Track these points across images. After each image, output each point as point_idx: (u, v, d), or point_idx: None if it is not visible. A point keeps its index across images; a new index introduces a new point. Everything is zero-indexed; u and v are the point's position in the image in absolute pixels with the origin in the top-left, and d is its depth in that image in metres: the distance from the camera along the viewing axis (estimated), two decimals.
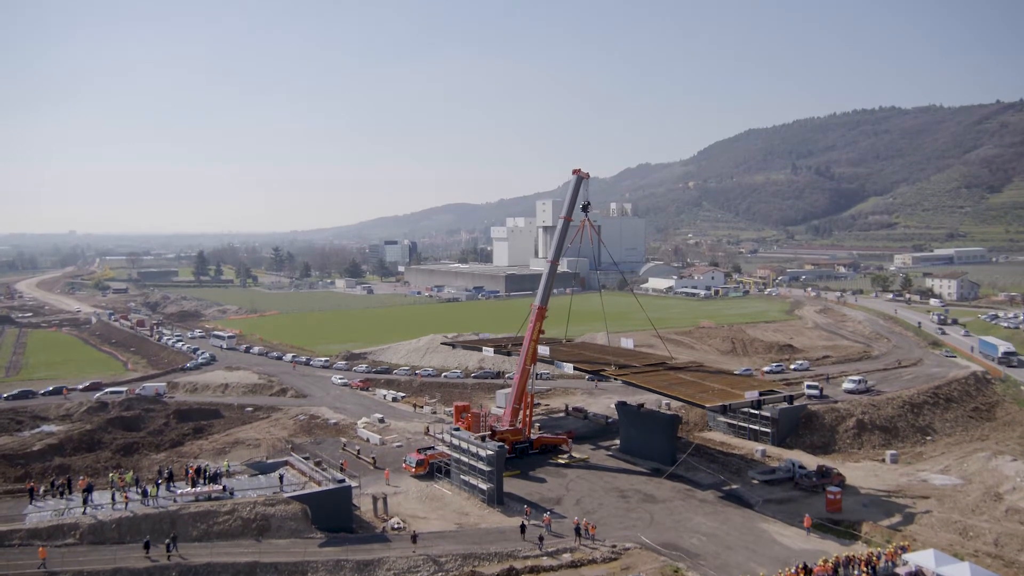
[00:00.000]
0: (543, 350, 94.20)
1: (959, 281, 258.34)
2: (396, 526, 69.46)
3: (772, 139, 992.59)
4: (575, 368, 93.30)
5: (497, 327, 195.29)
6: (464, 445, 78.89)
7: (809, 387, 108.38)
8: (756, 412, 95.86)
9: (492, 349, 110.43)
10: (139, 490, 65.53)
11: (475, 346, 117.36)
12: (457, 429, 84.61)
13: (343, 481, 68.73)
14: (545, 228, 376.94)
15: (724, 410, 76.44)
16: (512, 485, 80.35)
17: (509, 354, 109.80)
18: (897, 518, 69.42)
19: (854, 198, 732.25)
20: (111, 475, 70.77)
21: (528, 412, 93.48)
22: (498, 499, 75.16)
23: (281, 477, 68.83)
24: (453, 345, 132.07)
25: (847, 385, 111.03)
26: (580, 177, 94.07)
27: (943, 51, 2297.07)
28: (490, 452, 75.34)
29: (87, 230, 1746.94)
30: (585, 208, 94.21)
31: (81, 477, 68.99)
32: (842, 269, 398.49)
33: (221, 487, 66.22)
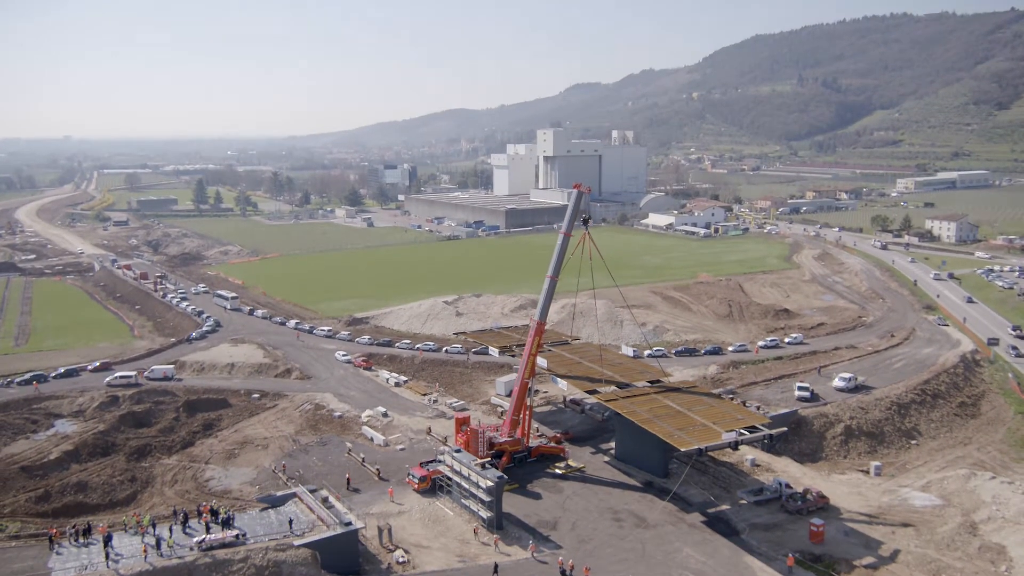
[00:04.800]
0: (541, 362, 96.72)
1: (958, 224, 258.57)
2: (400, 560, 73.46)
3: (779, 47, 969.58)
4: (569, 386, 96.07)
5: (498, 281, 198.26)
6: (465, 472, 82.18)
7: (800, 388, 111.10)
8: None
9: (498, 351, 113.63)
10: (154, 535, 68.97)
11: (482, 344, 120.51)
12: (458, 450, 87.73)
13: (350, 524, 72.19)
14: (546, 158, 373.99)
15: (700, 453, 79.64)
16: (510, 502, 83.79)
17: (514, 355, 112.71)
18: (874, 557, 73.18)
19: (860, 111, 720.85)
20: (123, 518, 74.38)
21: (527, 420, 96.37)
22: (498, 524, 79.10)
23: (291, 521, 72.25)
24: (465, 334, 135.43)
25: (837, 383, 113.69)
26: (580, 193, 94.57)
27: None
28: (490, 483, 78.69)
29: (83, 135, 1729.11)
30: (585, 222, 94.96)
31: (100, 524, 72.36)
32: (844, 196, 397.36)
33: (235, 534, 69.62)
